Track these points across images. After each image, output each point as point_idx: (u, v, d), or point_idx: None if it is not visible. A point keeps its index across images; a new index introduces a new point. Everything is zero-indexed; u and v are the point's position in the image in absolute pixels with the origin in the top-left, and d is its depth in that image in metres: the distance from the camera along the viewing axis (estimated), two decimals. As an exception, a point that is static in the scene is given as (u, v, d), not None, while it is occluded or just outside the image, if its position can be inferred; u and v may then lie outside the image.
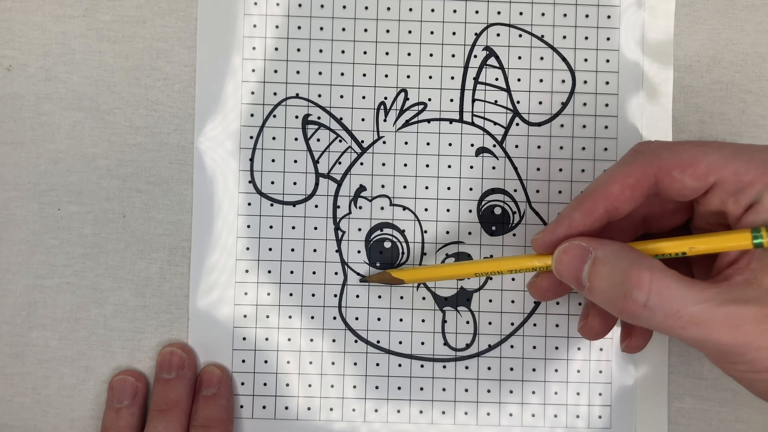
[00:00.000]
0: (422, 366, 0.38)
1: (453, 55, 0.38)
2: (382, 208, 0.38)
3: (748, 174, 0.28)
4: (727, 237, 0.29)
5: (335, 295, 0.38)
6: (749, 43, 0.38)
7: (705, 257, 0.31)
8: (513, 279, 0.38)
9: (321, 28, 0.38)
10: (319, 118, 0.38)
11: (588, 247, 0.29)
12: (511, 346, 0.38)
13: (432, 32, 0.38)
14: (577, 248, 0.29)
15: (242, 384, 0.37)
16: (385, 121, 0.38)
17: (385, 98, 0.38)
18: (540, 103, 0.38)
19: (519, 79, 0.38)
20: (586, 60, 0.38)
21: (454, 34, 0.38)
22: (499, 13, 0.38)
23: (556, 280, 0.33)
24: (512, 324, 0.38)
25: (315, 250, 0.38)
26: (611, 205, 0.30)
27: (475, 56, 0.38)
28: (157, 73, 0.38)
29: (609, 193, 0.30)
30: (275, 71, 0.38)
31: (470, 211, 0.38)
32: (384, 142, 0.38)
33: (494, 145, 0.38)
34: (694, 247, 0.29)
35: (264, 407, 0.37)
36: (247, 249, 0.37)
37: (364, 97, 0.38)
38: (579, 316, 0.36)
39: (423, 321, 0.38)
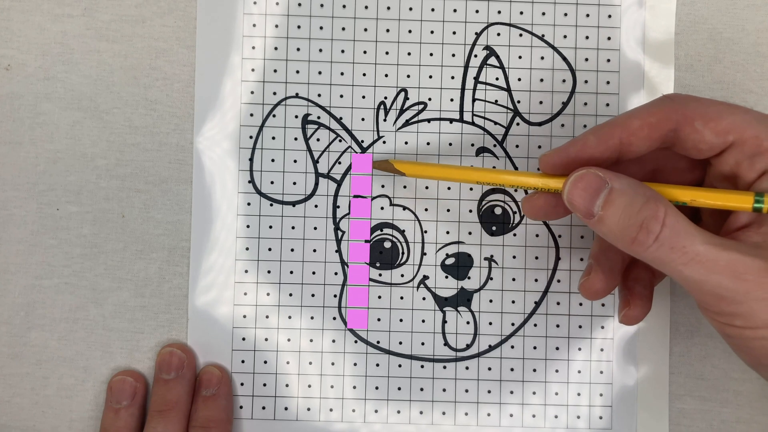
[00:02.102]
0: (422, 366, 0.37)
1: (453, 55, 0.38)
2: (382, 208, 0.37)
3: None
4: (729, 195, 0.29)
5: (335, 296, 0.37)
6: (751, 43, 0.38)
7: (711, 222, 0.32)
8: (513, 279, 0.37)
9: (321, 28, 0.38)
10: (318, 117, 0.38)
11: (604, 178, 0.29)
12: (512, 347, 0.38)
13: (432, 32, 0.38)
14: (594, 177, 0.29)
15: (242, 384, 0.37)
16: (385, 120, 0.38)
17: (385, 98, 0.38)
18: (540, 102, 0.38)
19: (519, 79, 0.38)
20: (586, 59, 0.38)
21: (454, 33, 0.38)
22: (499, 12, 0.38)
23: (552, 201, 0.32)
24: (512, 324, 0.38)
25: (315, 250, 0.37)
26: (627, 137, 0.30)
27: (476, 56, 0.38)
28: (156, 73, 0.38)
29: (628, 125, 0.30)
30: (275, 71, 0.38)
31: (470, 211, 0.38)
32: (384, 142, 0.38)
33: (495, 145, 0.38)
34: (696, 199, 0.30)
35: (263, 408, 0.37)
36: (247, 249, 0.37)
37: (364, 97, 0.38)
38: (582, 275, 0.35)
39: (423, 321, 0.37)
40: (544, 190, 0.32)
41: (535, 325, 0.38)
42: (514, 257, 0.38)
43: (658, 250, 0.27)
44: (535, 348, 0.38)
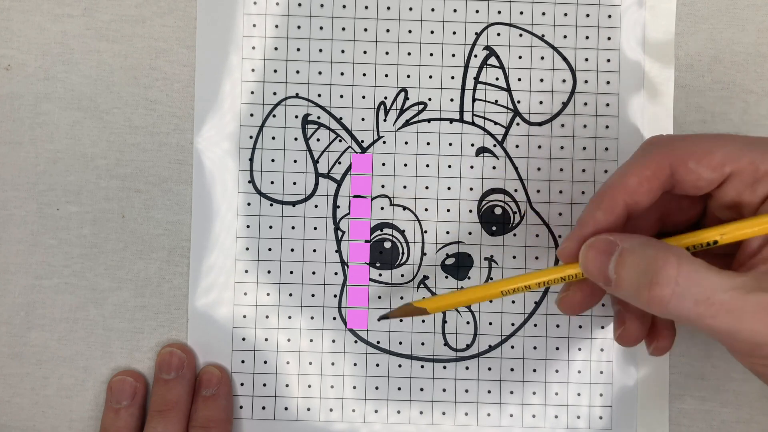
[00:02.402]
0: (422, 366, 0.37)
1: (453, 55, 0.38)
2: (382, 208, 0.37)
3: (764, 163, 0.28)
4: (758, 220, 0.28)
5: (335, 296, 0.37)
6: (751, 43, 0.38)
7: (721, 255, 0.31)
8: (513, 279, 0.37)
9: (321, 28, 0.38)
10: (318, 117, 0.38)
11: (614, 240, 0.29)
12: (512, 347, 0.37)
13: (432, 32, 0.38)
14: (604, 242, 0.29)
15: (242, 384, 0.37)
16: (385, 120, 0.38)
17: (385, 98, 0.38)
18: (540, 102, 0.38)
19: (519, 79, 0.38)
20: (586, 59, 0.38)
21: (454, 33, 0.38)
22: (499, 12, 0.38)
23: (588, 292, 0.32)
24: (513, 324, 0.38)
25: (315, 250, 0.37)
26: (630, 198, 0.30)
27: (476, 56, 0.38)
28: (156, 73, 0.38)
29: (627, 186, 0.30)
30: (275, 71, 0.38)
31: (470, 211, 0.38)
32: (384, 142, 0.38)
33: (495, 145, 0.38)
34: (725, 233, 0.29)
35: (263, 408, 0.37)
36: (247, 249, 0.37)
37: (364, 97, 0.38)
38: (614, 325, 0.34)
39: (423, 321, 0.37)
40: (571, 278, 0.31)
41: (535, 325, 0.38)
42: (514, 257, 0.38)
43: (680, 306, 0.26)
44: (535, 348, 0.37)
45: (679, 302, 0.26)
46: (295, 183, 0.37)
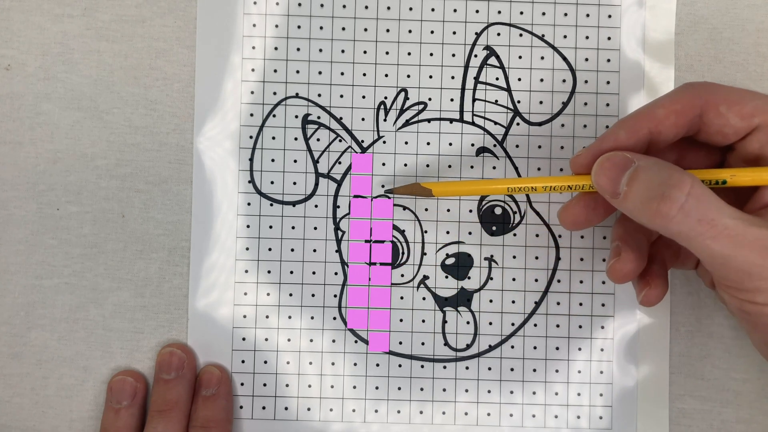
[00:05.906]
0: (422, 366, 0.37)
1: (453, 55, 0.38)
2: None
3: None
4: None
5: (335, 296, 0.37)
6: (751, 43, 0.38)
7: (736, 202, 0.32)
8: (513, 279, 0.37)
9: (321, 28, 0.38)
10: (318, 117, 0.38)
11: (631, 158, 0.29)
12: (512, 347, 0.38)
13: (432, 32, 0.38)
14: (620, 157, 0.30)
15: (242, 384, 0.37)
16: (385, 120, 0.38)
17: (385, 98, 0.38)
18: (541, 102, 0.38)
19: (519, 79, 0.38)
20: (586, 59, 0.38)
21: (454, 33, 0.38)
22: (499, 12, 0.38)
23: (589, 206, 0.33)
24: (513, 324, 0.38)
25: (315, 250, 0.37)
26: (655, 127, 0.30)
27: (476, 56, 0.38)
28: (157, 73, 0.38)
29: (654, 115, 0.30)
30: (275, 71, 0.38)
31: (470, 211, 0.38)
32: (384, 142, 0.38)
33: (495, 145, 0.38)
34: (736, 174, 0.30)
35: (264, 408, 0.37)
36: (247, 249, 0.37)
37: (364, 97, 0.38)
38: (608, 258, 0.34)
39: (423, 321, 0.37)
40: (578, 189, 0.32)
41: (535, 325, 0.38)
42: (514, 257, 0.38)
43: (684, 222, 0.27)
44: (535, 348, 0.38)
45: (684, 218, 0.27)
46: (295, 183, 0.38)
